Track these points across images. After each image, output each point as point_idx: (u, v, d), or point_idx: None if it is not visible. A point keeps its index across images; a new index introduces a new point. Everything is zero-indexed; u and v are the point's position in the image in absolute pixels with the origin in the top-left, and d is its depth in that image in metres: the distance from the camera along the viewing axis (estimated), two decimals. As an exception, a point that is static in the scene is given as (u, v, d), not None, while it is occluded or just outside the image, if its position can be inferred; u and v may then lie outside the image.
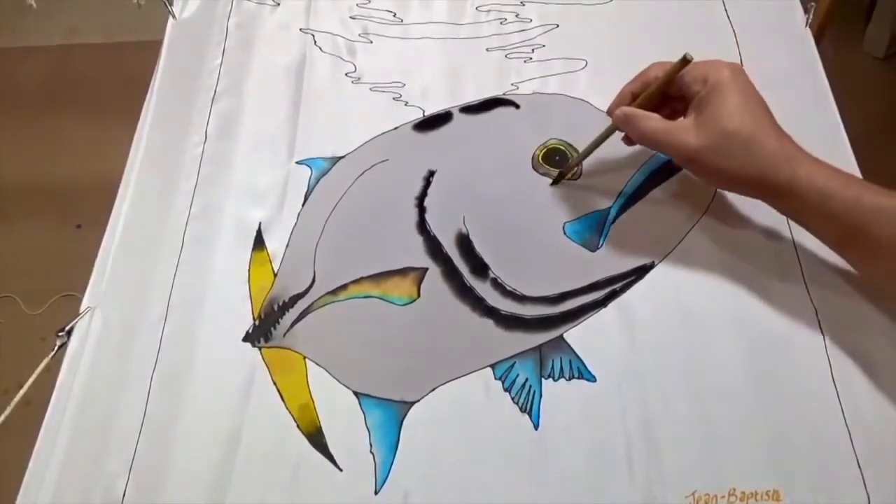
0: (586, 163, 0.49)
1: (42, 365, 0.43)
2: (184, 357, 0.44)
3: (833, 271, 0.44)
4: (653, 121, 0.42)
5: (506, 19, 0.59)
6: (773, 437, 0.40)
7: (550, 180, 0.49)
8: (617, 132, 0.45)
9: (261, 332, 0.45)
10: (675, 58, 0.42)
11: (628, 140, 0.46)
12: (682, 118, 0.42)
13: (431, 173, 0.50)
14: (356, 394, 0.43)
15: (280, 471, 0.41)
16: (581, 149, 0.48)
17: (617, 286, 0.45)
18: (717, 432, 0.40)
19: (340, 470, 0.41)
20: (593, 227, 0.47)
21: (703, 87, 0.41)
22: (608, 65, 0.55)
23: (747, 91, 0.40)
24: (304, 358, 0.44)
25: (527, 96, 0.54)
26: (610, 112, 0.45)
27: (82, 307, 0.46)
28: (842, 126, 0.50)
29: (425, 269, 0.46)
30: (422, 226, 0.48)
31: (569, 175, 0.49)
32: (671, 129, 0.41)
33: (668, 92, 0.43)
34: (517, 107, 0.53)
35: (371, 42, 0.58)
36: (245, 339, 0.45)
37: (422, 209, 0.49)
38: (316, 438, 0.41)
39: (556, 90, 0.54)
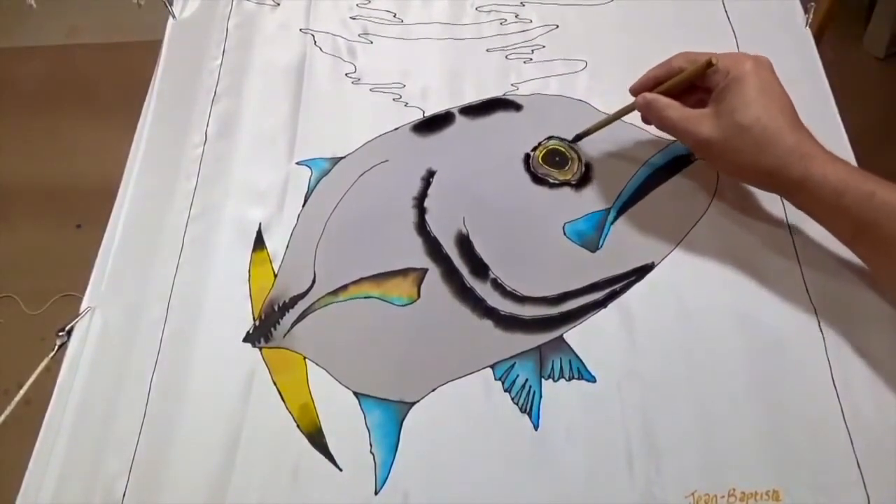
0: (586, 163, 0.49)
1: (42, 365, 0.43)
2: (184, 357, 0.44)
3: (833, 271, 0.44)
4: (672, 109, 0.43)
5: (506, 20, 0.59)
6: (772, 436, 0.40)
7: (550, 181, 0.49)
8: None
9: (261, 333, 0.45)
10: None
11: (646, 119, 0.46)
12: (702, 108, 0.43)
13: (431, 174, 0.50)
14: (356, 394, 0.43)
15: (280, 471, 0.41)
16: (589, 141, 0.48)
17: (617, 287, 0.45)
18: (716, 432, 0.40)
19: (340, 470, 0.41)
20: (593, 227, 0.47)
21: (724, 79, 0.41)
22: (608, 65, 0.55)
23: (767, 85, 0.40)
24: (305, 358, 0.44)
25: (527, 97, 0.54)
26: (632, 91, 0.46)
27: (82, 307, 0.46)
28: (842, 126, 0.50)
29: (425, 270, 0.46)
30: (422, 226, 0.48)
31: (573, 174, 0.49)
32: (688, 119, 0.42)
33: (694, 81, 0.43)
34: (517, 107, 0.53)
35: (371, 42, 0.58)
36: (245, 340, 0.45)
37: (422, 210, 0.49)
38: (316, 438, 0.41)
39: (556, 91, 0.54)
